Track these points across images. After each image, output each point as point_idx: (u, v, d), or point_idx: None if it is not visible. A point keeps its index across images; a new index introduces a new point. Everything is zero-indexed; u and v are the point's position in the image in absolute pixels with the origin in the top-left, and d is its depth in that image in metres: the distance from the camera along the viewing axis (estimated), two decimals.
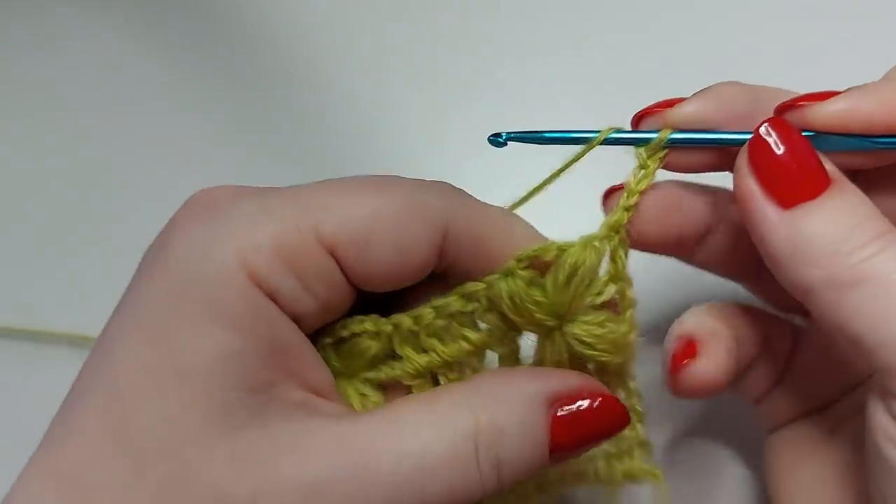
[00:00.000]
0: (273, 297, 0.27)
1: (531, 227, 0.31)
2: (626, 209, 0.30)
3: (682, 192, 0.32)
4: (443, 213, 0.28)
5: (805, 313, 0.35)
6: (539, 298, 0.29)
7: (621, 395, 0.32)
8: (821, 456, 0.33)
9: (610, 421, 0.29)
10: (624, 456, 0.33)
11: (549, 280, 0.29)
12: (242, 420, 0.26)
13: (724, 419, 0.41)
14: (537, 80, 0.49)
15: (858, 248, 0.26)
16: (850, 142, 0.29)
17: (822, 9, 0.49)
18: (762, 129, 0.28)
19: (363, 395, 0.31)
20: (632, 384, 0.32)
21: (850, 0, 0.49)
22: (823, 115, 0.28)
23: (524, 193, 0.33)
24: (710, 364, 0.31)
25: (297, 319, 0.28)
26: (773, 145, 0.28)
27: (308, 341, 0.29)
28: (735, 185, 0.29)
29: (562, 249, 0.29)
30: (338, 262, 0.27)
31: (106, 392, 0.26)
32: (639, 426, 0.32)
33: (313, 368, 0.29)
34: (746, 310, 0.33)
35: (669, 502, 0.32)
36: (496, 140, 0.31)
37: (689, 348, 0.31)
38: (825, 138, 0.29)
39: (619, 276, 0.30)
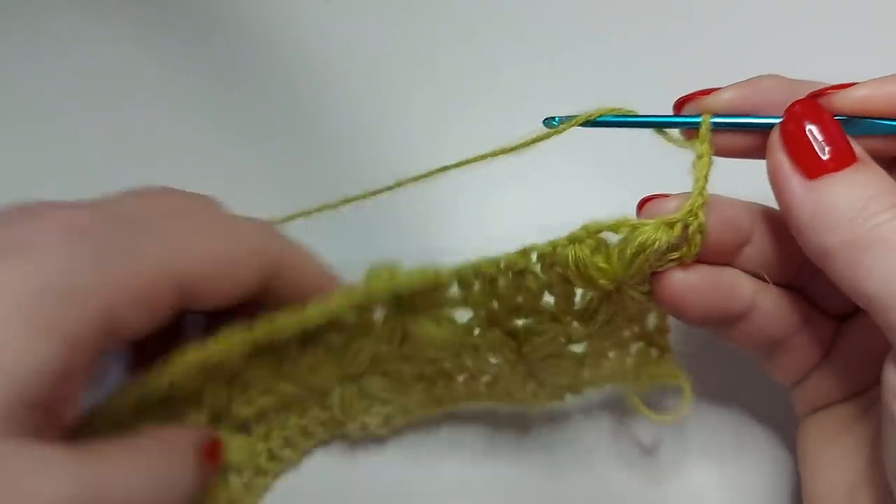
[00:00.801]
0: (115, 326, 0.29)
1: (322, 263, 0.35)
2: (700, 193, 0.31)
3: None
4: (272, 252, 0.33)
5: (850, 314, 0.35)
6: (602, 265, 0.31)
7: (652, 318, 0.36)
8: (853, 434, 0.33)
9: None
10: (650, 363, 0.37)
11: (614, 251, 0.31)
12: (7, 431, 0.26)
13: (758, 400, 0.41)
14: (538, 81, 0.49)
15: (875, 215, 0.28)
16: (879, 125, 0.31)
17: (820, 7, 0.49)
18: (794, 108, 0.30)
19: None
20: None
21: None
22: (849, 100, 0.30)
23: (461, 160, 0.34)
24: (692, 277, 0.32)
25: (123, 339, 0.30)
26: (803, 122, 0.30)
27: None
28: (767, 160, 0.31)
29: (634, 227, 0.31)
30: (183, 292, 0.31)
31: None
32: (666, 338, 0.36)
33: (68, 402, 0.30)
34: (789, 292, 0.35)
35: (691, 402, 0.35)
36: (550, 123, 0.33)
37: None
38: (855, 123, 0.31)
39: (690, 255, 0.31)
